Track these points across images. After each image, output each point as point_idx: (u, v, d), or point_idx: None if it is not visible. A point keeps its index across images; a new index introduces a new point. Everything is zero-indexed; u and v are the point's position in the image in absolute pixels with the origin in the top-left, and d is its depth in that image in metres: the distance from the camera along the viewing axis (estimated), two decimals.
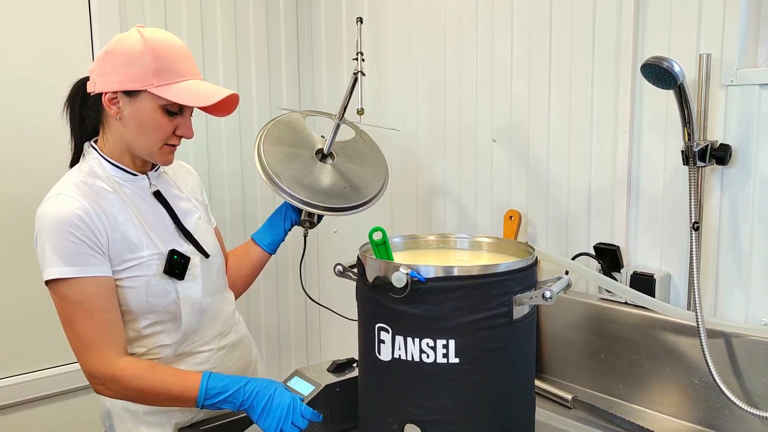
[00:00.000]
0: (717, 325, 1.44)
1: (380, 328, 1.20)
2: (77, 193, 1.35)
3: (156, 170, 1.50)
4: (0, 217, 1.98)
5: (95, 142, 1.45)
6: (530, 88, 1.80)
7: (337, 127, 1.71)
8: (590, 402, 1.58)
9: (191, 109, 1.42)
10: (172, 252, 1.42)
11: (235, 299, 1.66)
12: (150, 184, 1.47)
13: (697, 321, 1.40)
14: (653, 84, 1.35)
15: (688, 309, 1.52)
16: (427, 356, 1.16)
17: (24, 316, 2.03)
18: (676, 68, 1.30)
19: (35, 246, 1.36)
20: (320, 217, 1.69)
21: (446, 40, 1.99)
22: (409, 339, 1.17)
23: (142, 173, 1.46)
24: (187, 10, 2.23)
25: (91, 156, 1.43)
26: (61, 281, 1.32)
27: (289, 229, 1.71)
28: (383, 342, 1.20)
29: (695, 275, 1.42)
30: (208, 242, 1.52)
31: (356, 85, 1.67)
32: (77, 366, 1.38)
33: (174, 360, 1.47)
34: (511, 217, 1.83)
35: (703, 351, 1.40)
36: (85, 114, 1.44)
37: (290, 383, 1.42)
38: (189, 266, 1.44)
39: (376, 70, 2.21)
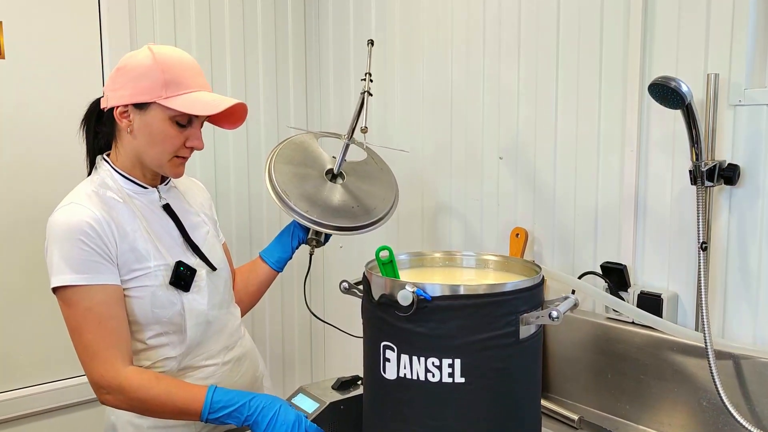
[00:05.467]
0: (725, 346, 1.43)
1: (386, 347, 1.19)
2: (88, 203, 1.37)
3: (166, 184, 1.52)
4: (10, 234, 1.99)
5: (107, 155, 1.47)
6: (537, 106, 1.80)
7: (347, 147, 1.72)
8: (596, 422, 1.57)
9: (201, 120, 1.43)
10: (179, 264, 1.42)
11: (242, 316, 1.66)
12: (160, 197, 1.48)
13: (706, 342, 1.39)
14: (661, 104, 1.34)
15: (696, 329, 1.51)
16: (433, 375, 1.15)
17: (31, 329, 2.04)
18: (684, 88, 1.30)
19: (45, 254, 1.36)
20: (327, 236, 1.70)
21: (453, 58, 2.00)
22: (415, 358, 1.16)
23: (153, 186, 1.48)
24: (196, 32, 2.26)
25: (102, 168, 1.45)
26: (70, 288, 1.33)
27: (297, 247, 1.71)
28: (388, 360, 1.19)
29: (703, 295, 1.41)
30: (215, 256, 1.53)
31: (364, 105, 1.68)
32: (82, 379, 1.38)
33: (178, 374, 1.46)
34: (517, 234, 1.82)
35: (712, 372, 1.38)
36: (99, 129, 1.47)
37: (294, 400, 1.42)
38: (195, 278, 1.45)
39: (383, 89, 2.22)
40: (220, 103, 1.38)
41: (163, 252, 1.42)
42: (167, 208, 1.48)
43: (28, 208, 2.00)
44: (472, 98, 1.96)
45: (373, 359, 1.23)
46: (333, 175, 1.73)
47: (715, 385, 1.38)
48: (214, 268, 1.50)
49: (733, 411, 1.36)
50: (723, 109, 1.44)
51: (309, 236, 1.68)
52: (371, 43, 1.77)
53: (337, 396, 1.40)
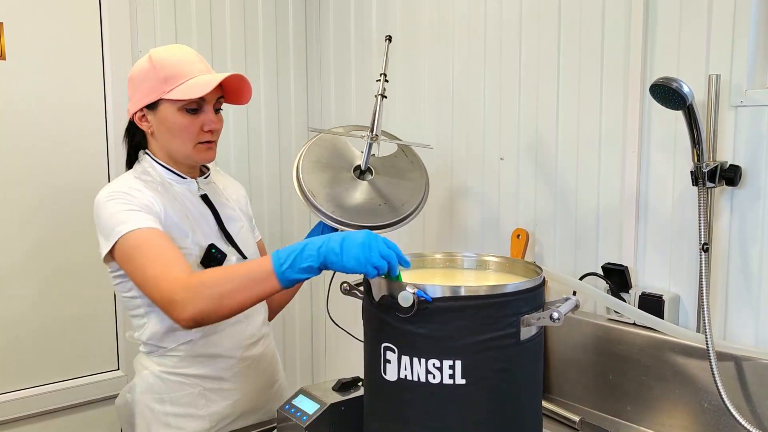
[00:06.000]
0: (727, 347, 1.43)
1: (386, 348, 1.19)
2: (132, 182, 1.46)
3: (206, 177, 1.60)
4: (15, 235, 2.00)
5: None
6: (538, 107, 1.80)
7: (369, 146, 1.70)
8: (598, 424, 1.56)
9: (212, 103, 1.49)
10: (211, 246, 1.49)
11: (270, 319, 1.73)
12: (199, 188, 1.56)
13: (707, 343, 1.39)
14: (662, 104, 1.34)
15: (697, 331, 1.50)
16: (434, 377, 1.15)
17: (39, 329, 2.04)
18: (686, 89, 1.30)
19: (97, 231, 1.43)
20: None
21: (454, 58, 2.00)
22: (416, 359, 1.16)
23: (191, 178, 1.56)
24: (197, 32, 2.27)
25: (145, 160, 1.54)
26: (119, 241, 1.38)
27: None
28: (389, 362, 1.19)
29: (704, 297, 1.41)
30: (247, 248, 1.59)
31: (380, 107, 1.67)
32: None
33: (197, 362, 1.50)
34: (518, 235, 1.82)
35: (713, 374, 1.38)
36: (133, 140, 1.57)
37: (295, 401, 1.42)
38: (225, 262, 1.50)
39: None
40: (214, 81, 1.44)
41: (199, 234, 1.49)
42: (205, 198, 1.56)
43: (29, 211, 1.99)
44: (474, 99, 1.96)
45: (373, 360, 1.23)
46: (361, 172, 1.71)
47: (717, 386, 1.38)
48: (245, 257, 1.56)
49: (734, 412, 1.36)
50: (724, 110, 1.43)
51: None
52: (389, 39, 1.72)
53: (337, 397, 1.40)
